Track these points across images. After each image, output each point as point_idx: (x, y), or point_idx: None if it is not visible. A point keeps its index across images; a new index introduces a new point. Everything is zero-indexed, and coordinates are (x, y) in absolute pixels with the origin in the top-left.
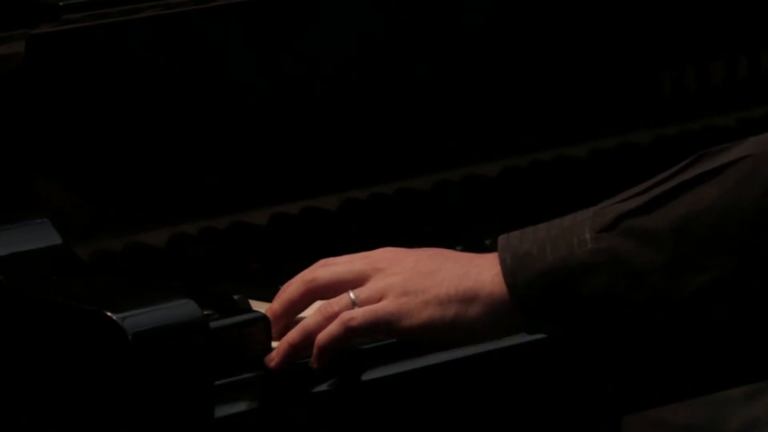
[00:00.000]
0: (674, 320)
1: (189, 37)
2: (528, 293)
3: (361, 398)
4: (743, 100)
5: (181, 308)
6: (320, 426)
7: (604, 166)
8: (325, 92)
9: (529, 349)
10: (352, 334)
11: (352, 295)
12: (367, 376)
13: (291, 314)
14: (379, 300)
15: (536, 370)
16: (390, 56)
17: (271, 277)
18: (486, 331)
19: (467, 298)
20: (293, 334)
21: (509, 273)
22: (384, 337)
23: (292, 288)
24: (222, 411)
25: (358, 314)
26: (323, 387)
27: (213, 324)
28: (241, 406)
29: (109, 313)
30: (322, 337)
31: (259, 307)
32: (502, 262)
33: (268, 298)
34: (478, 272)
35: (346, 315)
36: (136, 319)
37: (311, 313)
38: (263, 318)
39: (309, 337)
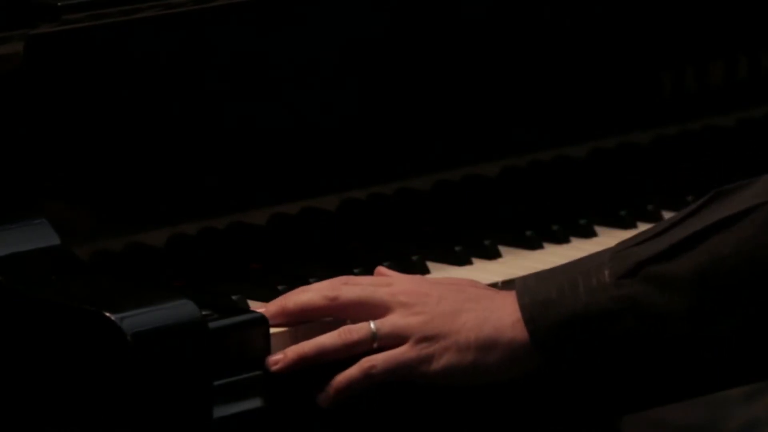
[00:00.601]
0: (696, 362)
1: (189, 37)
2: (549, 339)
3: (361, 399)
4: (743, 100)
5: (180, 309)
6: (319, 426)
7: (604, 166)
8: (324, 92)
9: None
10: (371, 380)
11: (373, 326)
12: None
13: (300, 320)
14: (399, 338)
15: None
16: (390, 56)
17: (271, 276)
18: (504, 374)
19: (487, 346)
20: (306, 348)
21: (530, 320)
22: (403, 380)
23: (311, 296)
24: (221, 411)
25: (379, 361)
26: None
27: (212, 324)
28: (240, 407)
29: (107, 314)
30: (340, 379)
31: (258, 307)
32: (522, 308)
33: (268, 298)
34: (498, 318)
35: (366, 362)
36: (134, 319)
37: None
38: (262, 319)
39: (321, 355)
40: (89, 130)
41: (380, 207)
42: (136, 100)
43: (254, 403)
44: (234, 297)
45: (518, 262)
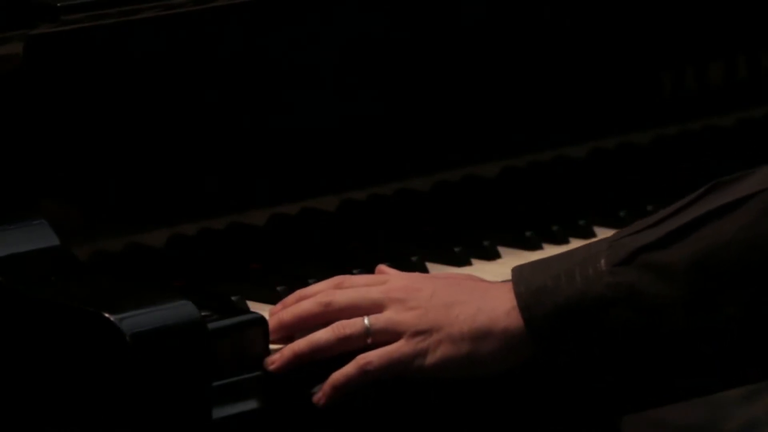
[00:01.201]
0: (693, 351)
1: (189, 37)
2: (545, 327)
3: (358, 398)
4: (743, 100)
5: (179, 309)
6: (319, 427)
7: (604, 166)
8: (324, 92)
9: None
10: (367, 377)
11: (366, 321)
12: None
13: (299, 330)
14: (393, 334)
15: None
16: (390, 57)
17: (270, 277)
18: (499, 365)
19: (481, 335)
20: (301, 345)
21: (525, 307)
22: (399, 376)
23: (306, 306)
24: (220, 412)
25: (374, 358)
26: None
27: (211, 325)
28: (239, 407)
29: (107, 314)
30: (337, 377)
31: (257, 307)
32: (517, 296)
33: (267, 299)
34: (492, 308)
35: (362, 359)
36: (134, 319)
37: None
38: (261, 319)
39: (316, 352)
40: (89, 130)
41: (380, 207)
42: (136, 100)
43: (253, 403)
44: (233, 297)
45: (518, 263)
